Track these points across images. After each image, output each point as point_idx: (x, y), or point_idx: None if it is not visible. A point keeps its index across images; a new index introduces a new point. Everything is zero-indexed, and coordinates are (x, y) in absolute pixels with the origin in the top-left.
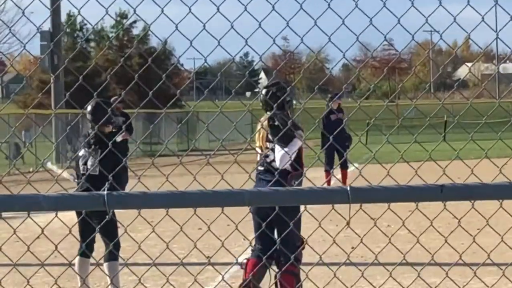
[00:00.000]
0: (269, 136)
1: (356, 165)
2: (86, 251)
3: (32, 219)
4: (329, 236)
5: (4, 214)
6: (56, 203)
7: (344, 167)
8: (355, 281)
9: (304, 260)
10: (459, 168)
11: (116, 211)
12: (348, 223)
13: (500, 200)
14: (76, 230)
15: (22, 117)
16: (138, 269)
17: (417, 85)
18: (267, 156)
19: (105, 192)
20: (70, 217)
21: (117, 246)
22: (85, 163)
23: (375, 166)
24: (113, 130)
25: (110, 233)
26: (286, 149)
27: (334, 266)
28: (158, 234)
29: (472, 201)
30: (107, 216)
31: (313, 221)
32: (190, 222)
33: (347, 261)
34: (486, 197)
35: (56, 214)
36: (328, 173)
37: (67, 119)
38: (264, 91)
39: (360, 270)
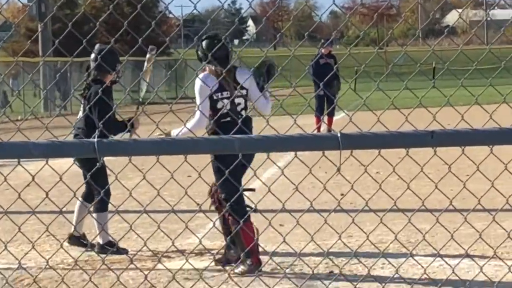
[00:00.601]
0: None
1: (346, 112)
2: (89, 196)
3: (23, 167)
4: (319, 183)
5: None
6: (47, 151)
7: (331, 114)
8: (345, 227)
9: (294, 207)
10: (449, 115)
11: (106, 159)
12: (338, 170)
13: (490, 146)
14: (65, 178)
15: (10, 65)
16: (129, 216)
17: (406, 32)
18: (236, 105)
19: (96, 140)
20: (59, 165)
21: (107, 194)
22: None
23: (365, 113)
24: (116, 79)
25: (101, 181)
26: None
27: (324, 212)
28: (148, 181)
29: (463, 147)
30: (98, 164)
31: (303, 168)
32: (179, 170)
33: (337, 208)
34: (476, 143)
35: (47, 162)
36: (318, 118)
37: (55, 67)
38: (206, 42)
39: (351, 216)
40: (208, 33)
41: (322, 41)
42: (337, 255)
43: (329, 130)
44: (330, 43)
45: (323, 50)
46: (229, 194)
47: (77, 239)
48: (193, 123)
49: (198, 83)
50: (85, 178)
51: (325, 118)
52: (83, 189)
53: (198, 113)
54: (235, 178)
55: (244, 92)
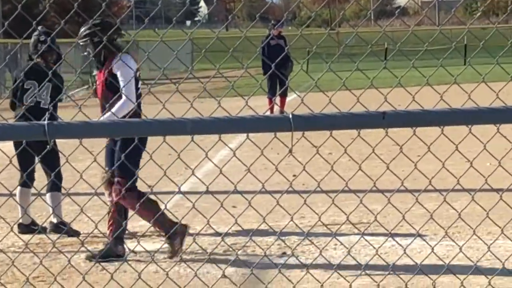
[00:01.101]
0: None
1: (297, 93)
2: (27, 181)
3: None
4: (271, 165)
5: None
6: None
7: (283, 94)
8: (298, 208)
9: (246, 188)
10: (400, 96)
11: (56, 141)
12: (290, 151)
13: (441, 127)
14: (15, 161)
15: None
16: (79, 198)
17: (358, 13)
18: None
19: (46, 122)
20: (9, 148)
21: (59, 177)
22: (34, 96)
23: (316, 94)
24: (52, 61)
25: (52, 163)
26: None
27: (277, 194)
28: (99, 163)
29: (414, 128)
30: (48, 146)
31: (254, 149)
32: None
33: (289, 189)
34: (427, 123)
35: None
36: (270, 100)
37: (5, 48)
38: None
39: (303, 198)
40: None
41: (272, 22)
42: (289, 236)
43: (282, 111)
44: (281, 24)
45: (273, 31)
46: (132, 177)
47: (26, 227)
48: (122, 106)
49: (123, 65)
50: (24, 161)
51: (277, 99)
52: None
53: (125, 96)
54: (137, 162)
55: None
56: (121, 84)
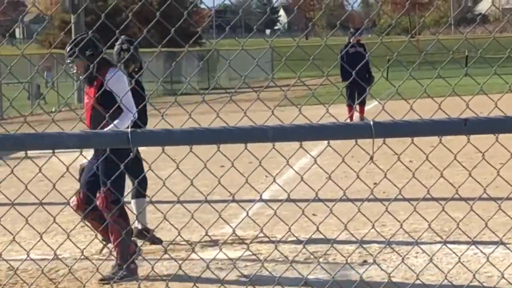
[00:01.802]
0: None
1: (378, 100)
2: (138, 189)
3: (58, 158)
4: (351, 172)
5: (29, 153)
6: (81, 141)
7: (362, 103)
8: (378, 216)
9: (326, 196)
10: (482, 103)
11: (139, 149)
12: (371, 158)
13: None
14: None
15: (44, 57)
16: (162, 206)
17: (438, 20)
18: None
19: (129, 130)
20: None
21: (144, 183)
22: None
23: (397, 102)
24: (136, 69)
25: (137, 171)
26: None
27: (358, 202)
28: (182, 171)
29: (496, 135)
30: (131, 154)
31: (334, 157)
32: (212, 161)
33: (370, 197)
34: (510, 130)
35: (81, 152)
36: (350, 107)
37: None
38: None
39: (384, 205)
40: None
41: (352, 30)
42: (370, 244)
43: (362, 118)
44: (360, 32)
45: (352, 39)
46: (117, 189)
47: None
48: (123, 119)
49: (118, 80)
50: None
51: (357, 107)
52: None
53: (126, 109)
54: (122, 176)
55: None
56: (121, 97)
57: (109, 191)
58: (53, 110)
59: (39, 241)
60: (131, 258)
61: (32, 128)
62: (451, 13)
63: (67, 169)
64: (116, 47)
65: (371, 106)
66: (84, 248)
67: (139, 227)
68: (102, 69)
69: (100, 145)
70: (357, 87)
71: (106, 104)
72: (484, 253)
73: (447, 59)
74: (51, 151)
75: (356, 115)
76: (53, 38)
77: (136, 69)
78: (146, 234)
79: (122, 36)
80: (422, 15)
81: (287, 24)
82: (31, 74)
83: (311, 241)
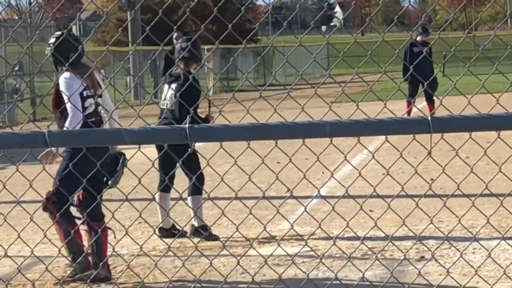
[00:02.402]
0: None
1: (435, 95)
2: (169, 185)
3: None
4: (408, 169)
5: None
6: (138, 137)
7: (430, 101)
8: (436, 212)
9: (383, 192)
10: None
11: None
12: (429, 153)
13: None
14: (156, 165)
15: (100, 54)
16: (219, 203)
17: (495, 16)
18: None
19: (187, 125)
20: (150, 153)
21: (200, 179)
22: (165, 98)
23: (453, 98)
24: (197, 68)
25: (194, 167)
26: None
27: (415, 198)
28: (240, 167)
29: None
30: (189, 150)
31: (390, 154)
32: (268, 157)
33: (428, 192)
34: None
35: (139, 148)
36: (409, 103)
37: (144, 55)
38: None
39: (442, 200)
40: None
41: (420, 29)
42: (428, 240)
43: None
44: (426, 32)
45: (418, 38)
46: (65, 195)
47: (166, 231)
48: (70, 120)
49: (64, 81)
50: (166, 165)
51: (418, 103)
52: (177, 175)
53: (70, 110)
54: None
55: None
56: (65, 98)
57: (54, 191)
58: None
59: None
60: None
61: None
62: (508, 8)
63: (126, 166)
64: (177, 46)
65: (424, 104)
66: (142, 245)
67: (196, 224)
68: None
69: (158, 142)
70: (420, 85)
71: (59, 104)
72: None
73: (504, 54)
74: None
75: (414, 111)
76: (109, 37)
77: (196, 68)
78: (202, 232)
79: (176, 33)
80: (478, 10)
81: (343, 21)
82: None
83: (368, 237)
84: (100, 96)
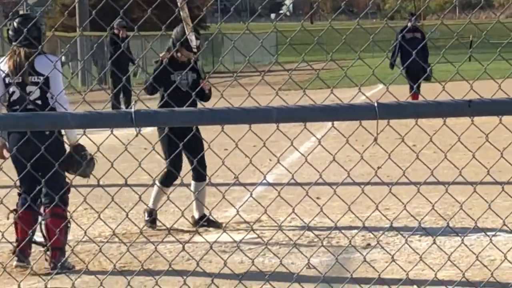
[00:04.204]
0: None
1: (384, 83)
2: (174, 179)
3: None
4: (355, 157)
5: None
6: (84, 121)
7: (417, 90)
8: (380, 199)
9: (330, 180)
10: (485, 87)
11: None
12: (375, 139)
13: None
14: (104, 150)
15: (47, 39)
16: (165, 189)
17: (442, 5)
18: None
19: (133, 110)
20: (96, 138)
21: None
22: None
23: (401, 87)
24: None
25: (200, 150)
26: None
27: (361, 185)
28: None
29: (500, 117)
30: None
31: (338, 141)
32: (215, 144)
33: (374, 180)
34: None
35: (84, 132)
36: (414, 95)
37: (91, 41)
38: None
39: (388, 187)
40: (21, 13)
41: (409, 16)
42: (374, 228)
43: None
44: (415, 17)
45: (408, 24)
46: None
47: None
48: None
49: None
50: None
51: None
52: (122, 162)
53: None
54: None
55: (41, 79)
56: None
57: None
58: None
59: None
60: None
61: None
62: None
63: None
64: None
65: (376, 90)
66: (87, 230)
67: (196, 217)
68: None
69: (104, 126)
70: (415, 74)
71: None
72: (488, 235)
73: (451, 42)
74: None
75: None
76: (55, 22)
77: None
78: (204, 224)
79: (118, 21)
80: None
81: (292, 8)
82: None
83: (314, 224)
84: (47, 84)
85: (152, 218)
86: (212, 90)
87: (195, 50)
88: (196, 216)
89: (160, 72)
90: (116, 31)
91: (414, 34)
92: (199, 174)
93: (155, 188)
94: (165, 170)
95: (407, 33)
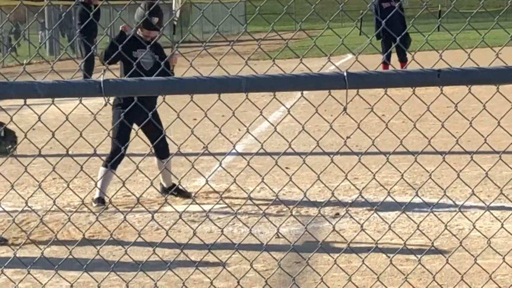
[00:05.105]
0: None
1: (353, 53)
2: (120, 159)
3: (31, 108)
4: (324, 127)
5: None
6: (52, 91)
7: (403, 59)
8: (350, 169)
9: (299, 150)
10: (455, 57)
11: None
12: (345, 109)
13: (497, 85)
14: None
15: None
16: (134, 159)
17: None
18: None
19: (101, 79)
20: (64, 108)
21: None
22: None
23: (371, 56)
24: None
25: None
26: None
27: (330, 155)
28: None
29: (469, 86)
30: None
31: (307, 111)
32: (184, 114)
33: (343, 150)
34: (483, 81)
35: (53, 102)
36: (384, 64)
37: (59, 10)
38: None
39: (357, 156)
40: None
41: None
42: (343, 197)
43: None
44: None
45: None
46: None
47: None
48: None
49: None
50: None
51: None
52: (91, 132)
53: None
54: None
55: None
56: None
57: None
58: (25, 62)
59: (10, 191)
60: None
61: (4, 78)
62: None
63: (39, 118)
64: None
65: (345, 60)
66: (55, 199)
67: (165, 185)
68: None
69: (72, 95)
70: (393, 43)
71: None
72: (456, 204)
73: (419, 13)
74: (22, 102)
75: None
76: None
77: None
78: (173, 193)
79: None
80: None
81: None
82: (1, 25)
83: (283, 193)
84: None
85: (100, 200)
86: (178, 61)
87: (156, 27)
88: (165, 185)
89: (121, 44)
90: (86, 0)
91: (390, 4)
92: (162, 153)
93: (101, 172)
94: (111, 149)
95: (384, 3)
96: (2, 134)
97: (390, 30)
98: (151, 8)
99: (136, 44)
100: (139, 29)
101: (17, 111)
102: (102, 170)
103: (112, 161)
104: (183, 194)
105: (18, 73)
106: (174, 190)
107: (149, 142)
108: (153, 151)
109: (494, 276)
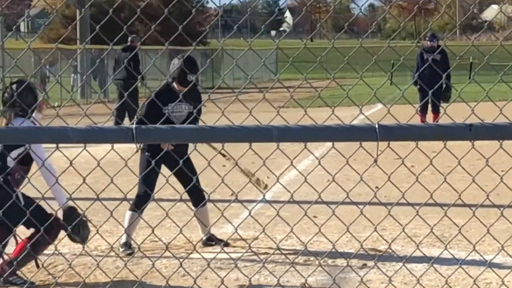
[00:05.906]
0: None
1: (383, 103)
2: (146, 202)
3: (61, 152)
4: (353, 176)
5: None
6: (85, 136)
7: (435, 110)
8: (379, 220)
9: (327, 199)
10: (486, 110)
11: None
12: (375, 161)
13: None
14: (103, 163)
15: (47, 51)
16: (163, 204)
17: (443, 26)
18: None
19: (134, 126)
20: (94, 152)
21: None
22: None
23: (402, 107)
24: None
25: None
26: None
27: (359, 205)
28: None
29: (501, 141)
30: (136, 147)
31: (336, 160)
32: (213, 160)
33: (372, 201)
34: None
35: (85, 147)
36: (422, 117)
37: (91, 54)
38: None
39: (387, 208)
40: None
41: (428, 35)
42: (371, 248)
43: None
44: (434, 38)
45: (428, 43)
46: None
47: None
48: None
49: None
50: (150, 175)
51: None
52: (120, 176)
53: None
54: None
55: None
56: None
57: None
58: (56, 104)
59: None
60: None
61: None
62: (457, 19)
63: (71, 163)
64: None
65: (375, 109)
66: (84, 244)
67: (204, 238)
68: None
69: (105, 141)
70: (429, 94)
71: None
72: (485, 259)
73: (453, 65)
74: (54, 146)
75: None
76: (54, 33)
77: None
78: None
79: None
80: (428, 20)
81: (292, 26)
82: (35, 68)
83: (311, 243)
84: (9, 147)
85: (127, 244)
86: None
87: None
88: (204, 237)
89: (151, 106)
90: (130, 43)
91: (432, 56)
92: (196, 200)
93: (127, 216)
94: (137, 193)
95: (426, 54)
96: (82, 220)
97: (430, 80)
98: (189, 65)
99: (168, 98)
100: (174, 82)
101: (49, 155)
102: (129, 214)
103: (140, 205)
104: (218, 242)
105: (48, 115)
106: (210, 240)
107: (177, 187)
108: (183, 196)
109: None
